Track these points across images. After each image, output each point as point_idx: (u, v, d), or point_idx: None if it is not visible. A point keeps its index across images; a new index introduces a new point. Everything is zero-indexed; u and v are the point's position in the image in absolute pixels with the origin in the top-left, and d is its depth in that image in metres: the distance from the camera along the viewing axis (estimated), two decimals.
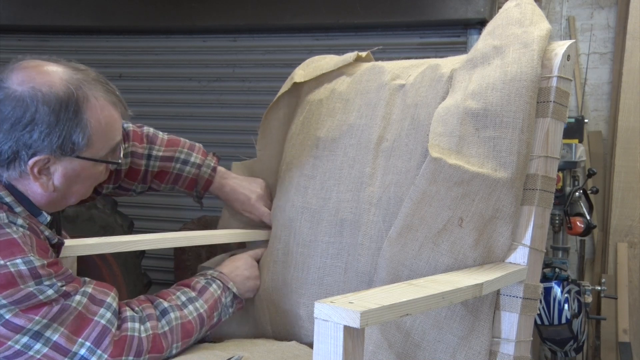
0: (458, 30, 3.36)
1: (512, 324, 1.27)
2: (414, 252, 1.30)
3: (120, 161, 1.39)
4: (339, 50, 3.51)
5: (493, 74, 1.30)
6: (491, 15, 3.28)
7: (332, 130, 1.55)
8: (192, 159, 1.68)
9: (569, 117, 2.99)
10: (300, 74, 1.67)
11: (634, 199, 3.10)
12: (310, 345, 1.42)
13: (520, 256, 1.28)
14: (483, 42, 1.37)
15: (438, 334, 1.28)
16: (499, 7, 3.34)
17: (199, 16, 3.58)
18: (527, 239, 1.28)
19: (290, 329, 1.54)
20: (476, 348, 1.26)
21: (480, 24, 3.29)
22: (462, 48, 3.35)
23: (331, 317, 0.91)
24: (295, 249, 1.53)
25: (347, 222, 1.45)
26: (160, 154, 1.65)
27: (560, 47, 1.31)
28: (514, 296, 1.27)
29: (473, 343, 1.26)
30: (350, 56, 1.65)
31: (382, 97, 1.50)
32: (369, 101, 1.52)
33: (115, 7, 3.67)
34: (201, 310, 1.41)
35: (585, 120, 3.07)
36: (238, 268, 1.56)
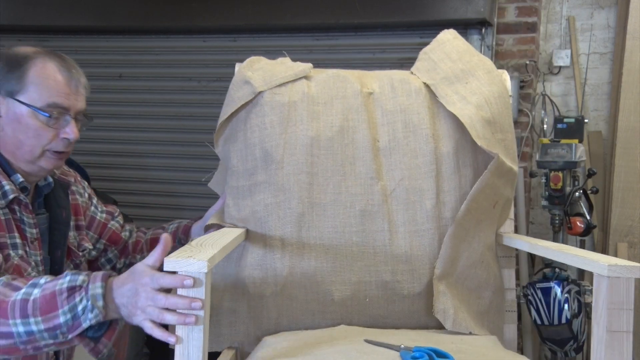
0: (458, 30, 3.35)
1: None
2: (472, 232, 1.63)
3: (68, 132, 1.50)
4: (339, 50, 3.52)
5: (483, 90, 1.67)
6: (491, 16, 3.28)
7: (323, 131, 1.63)
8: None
9: (569, 117, 2.99)
10: (257, 79, 1.67)
11: (634, 199, 3.11)
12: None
13: (507, 226, 1.78)
14: (444, 64, 1.73)
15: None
16: (499, 7, 3.35)
17: (199, 16, 3.57)
18: (511, 214, 1.80)
19: (309, 317, 1.60)
20: None
21: (480, 24, 3.30)
22: None
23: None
24: (313, 242, 1.57)
25: (367, 212, 1.59)
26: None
27: (505, 73, 1.77)
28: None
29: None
30: (308, 67, 1.74)
31: (359, 102, 1.67)
32: (350, 106, 1.66)
33: (115, 7, 3.67)
34: (29, 298, 1.26)
35: (585, 120, 3.07)
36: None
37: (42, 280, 1.30)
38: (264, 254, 1.59)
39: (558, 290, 2.61)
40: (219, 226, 1.65)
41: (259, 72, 1.71)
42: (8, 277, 1.32)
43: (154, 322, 1.23)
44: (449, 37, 1.83)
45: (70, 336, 1.27)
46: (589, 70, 3.30)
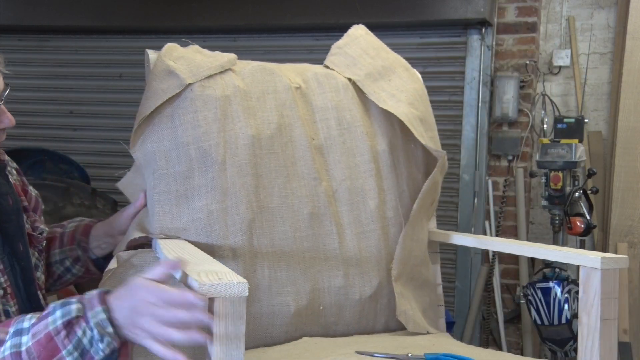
0: (458, 30, 3.36)
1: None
2: (418, 230, 1.63)
3: (4, 122, 1.28)
4: None
5: (408, 88, 1.65)
6: (491, 15, 3.28)
7: (262, 129, 1.51)
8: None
9: (569, 117, 2.99)
10: (183, 70, 1.53)
11: (634, 199, 3.11)
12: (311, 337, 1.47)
13: (432, 222, 1.76)
14: (363, 59, 1.67)
15: None
16: (499, 7, 3.35)
17: (199, 16, 3.57)
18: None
19: (263, 333, 1.46)
20: None
21: (480, 24, 3.30)
22: (462, 48, 3.34)
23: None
24: (265, 250, 1.46)
25: (315, 215, 1.51)
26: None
27: (417, 72, 1.75)
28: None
29: None
30: (233, 57, 1.61)
31: (291, 97, 1.58)
32: (283, 102, 1.57)
33: (115, 7, 3.67)
34: (20, 349, 1.08)
35: (585, 120, 3.07)
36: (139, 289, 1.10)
37: (26, 324, 1.10)
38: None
39: (558, 290, 2.61)
40: (146, 239, 1.42)
41: (182, 62, 1.55)
42: None
43: (158, 340, 1.05)
44: (361, 33, 1.76)
45: None
46: (589, 70, 3.30)
